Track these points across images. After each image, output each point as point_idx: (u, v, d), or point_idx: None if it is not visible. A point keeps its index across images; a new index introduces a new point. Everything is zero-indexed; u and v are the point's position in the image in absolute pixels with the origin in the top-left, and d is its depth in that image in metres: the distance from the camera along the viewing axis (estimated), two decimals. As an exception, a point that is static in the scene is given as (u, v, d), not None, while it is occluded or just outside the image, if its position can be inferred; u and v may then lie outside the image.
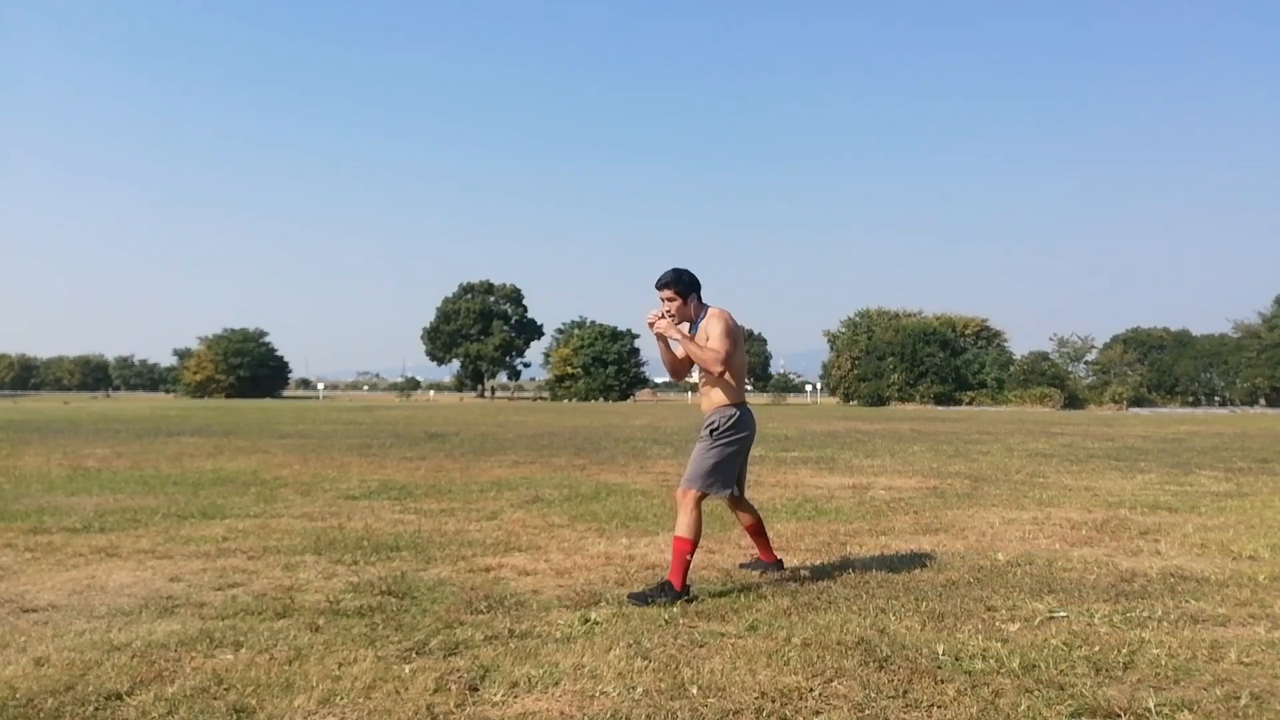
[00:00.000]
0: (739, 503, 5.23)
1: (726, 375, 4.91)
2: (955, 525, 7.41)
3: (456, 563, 5.72)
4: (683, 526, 4.83)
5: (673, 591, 4.71)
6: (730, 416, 4.93)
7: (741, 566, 5.59)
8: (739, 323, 5.03)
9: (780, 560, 5.46)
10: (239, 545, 6.27)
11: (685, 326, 5.01)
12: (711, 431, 4.91)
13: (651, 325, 4.99)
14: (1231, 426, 29.86)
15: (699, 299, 5.05)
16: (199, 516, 7.59)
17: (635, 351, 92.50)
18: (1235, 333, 79.11)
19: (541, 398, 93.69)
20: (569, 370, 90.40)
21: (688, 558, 4.81)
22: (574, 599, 4.78)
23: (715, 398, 4.98)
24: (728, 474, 4.94)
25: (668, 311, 4.98)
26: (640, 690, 3.37)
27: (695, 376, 5.17)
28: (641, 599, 4.69)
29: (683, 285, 4.97)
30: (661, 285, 5.00)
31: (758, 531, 5.38)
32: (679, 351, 5.13)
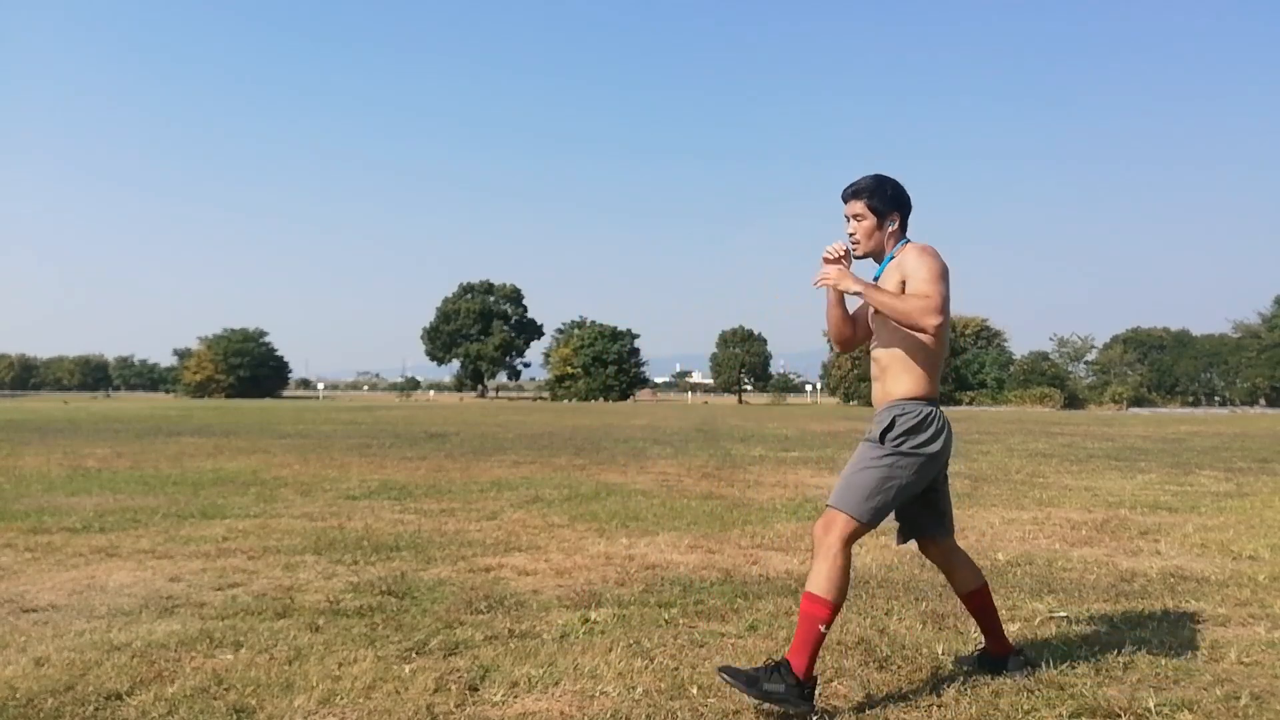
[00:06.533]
0: (947, 554, 3.56)
1: (924, 350, 3.24)
2: (955, 525, 7.39)
3: (456, 563, 5.72)
4: (818, 578, 3.09)
5: (789, 678, 3.02)
6: (919, 414, 3.23)
7: (963, 660, 3.67)
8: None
9: (1020, 648, 3.63)
10: (239, 545, 6.27)
11: (868, 264, 3.40)
12: (884, 433, 3.25)
13: (825, 263, 3.33)
14: (1231, 426, 29.87)
15: (901, 227, 3.38)
16: (199, 516, 7.59)
17: (635, 351, 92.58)
18: (1235, 333, 79.21)
19: (541, 398, 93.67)
20: (569, 370, 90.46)
21: (821, 629, 3.07)
22: (574, 599, 4.78)
23: (895, 386, 3.30)
24: (894, 500, 3.23)
25: (852, 235, 3.39)
26: (640, 690, 3.36)
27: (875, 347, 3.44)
28: (748, 682, 3.04)
29: (883, 199, 3.33)
30: (852, 194, 3.36)
31: (982, 606, 3.54)
32: (855, 307, 3.49)
